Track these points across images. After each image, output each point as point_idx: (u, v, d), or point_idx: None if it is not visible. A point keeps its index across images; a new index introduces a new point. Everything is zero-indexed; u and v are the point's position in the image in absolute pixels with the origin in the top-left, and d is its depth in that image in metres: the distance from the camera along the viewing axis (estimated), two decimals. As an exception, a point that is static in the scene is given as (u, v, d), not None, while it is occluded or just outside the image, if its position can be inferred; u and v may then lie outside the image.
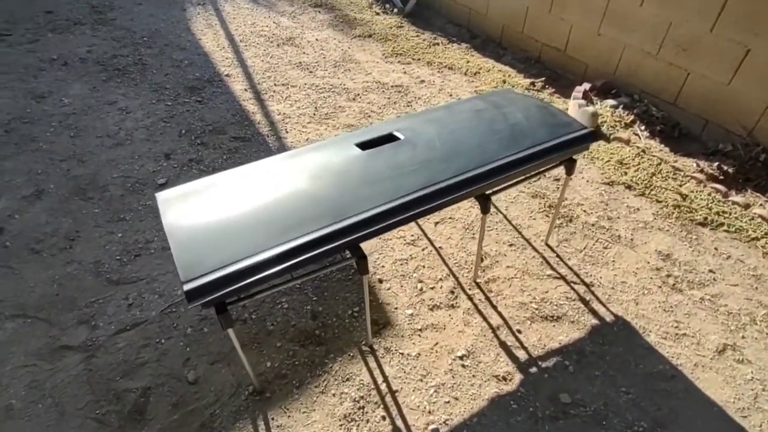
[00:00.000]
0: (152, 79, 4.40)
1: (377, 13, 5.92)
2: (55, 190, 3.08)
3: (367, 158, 2.10)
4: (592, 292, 2.55)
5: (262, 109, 4.06)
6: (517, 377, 2.15)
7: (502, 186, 2.20)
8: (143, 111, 3.96)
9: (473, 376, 2.16)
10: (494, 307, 2.46)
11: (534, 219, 2.99)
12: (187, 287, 1.53)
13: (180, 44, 5.04)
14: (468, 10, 5.49)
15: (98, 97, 4.10)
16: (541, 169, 2.29)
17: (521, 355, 2.25)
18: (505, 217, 3.00)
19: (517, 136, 2.24)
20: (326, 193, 1.92)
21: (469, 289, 2.56)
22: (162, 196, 1.95)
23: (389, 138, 2.24)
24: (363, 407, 2.04)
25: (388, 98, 4.23)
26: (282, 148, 3.61)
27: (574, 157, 2.39)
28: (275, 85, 4.41)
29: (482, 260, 2.72)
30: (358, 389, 2.10)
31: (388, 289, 2.55)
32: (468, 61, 4.86)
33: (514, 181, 2.22)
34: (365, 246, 2.30)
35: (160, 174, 3.29)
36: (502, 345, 2.29)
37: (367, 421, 1.99)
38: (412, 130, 2.28)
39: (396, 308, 2.45)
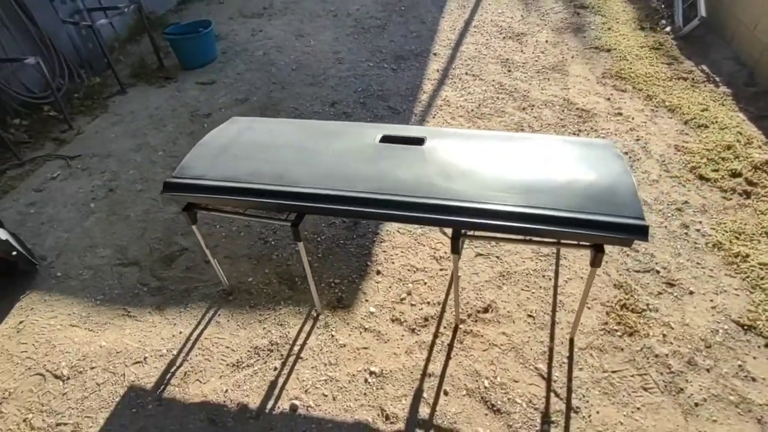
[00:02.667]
0: (377, 43, 5.12)
1: (640, 27, 5.02)
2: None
3: (375, 149, 2.15)
4: (567, 424, 1.96)
5: (434, 91, 4.25)
6: (399, 426, 1.97)
7: (483, 235, 1.91)
8: (349, 65, 4.72)
9: (365, 394, 2.09)
10: (448, 356, 2.22)
11: (592, 300, 2.37)
12: (167, 179, 2.07)
13: (423, 18, 5.58)
14: (765, 47, 4.08)
15: (332, 46, 5.08)
16: (547, 241, 1.84)
17: (425, 412, 2.02)
18: (565, 280, 2.48)
19: (542, 188, 1.85)
20: (314, 161, 2.12)
21: (444, 327, 2.34)
22: (234, 119, 2.54)
23: (415, 140, 2.20)
24: (271, 351, 2.29)
25: (561, 119, 3.76)
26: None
27: (606, 246, 1.81)
28: (466, 74, 4.48)
29: (486, 311, 2.40)
30: (280, 336, 2.35)
31: (378, 283, 2.59)
32: (705, 109, 3.73)
33: (502, 236, 1.88)
34: (398, 237, 2.39)
35: (315, 115, 4.00)
36: (418, 391, 2.09)
37: (265, 362, 2.25)
38: (446, 139, 2.16)
39: (366, 300, 2.49)
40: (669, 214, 2.85)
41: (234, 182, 2.03)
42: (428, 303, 2.46)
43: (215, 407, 2.09)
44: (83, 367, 2.28)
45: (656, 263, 2.57)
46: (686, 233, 2.72)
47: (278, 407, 2.07)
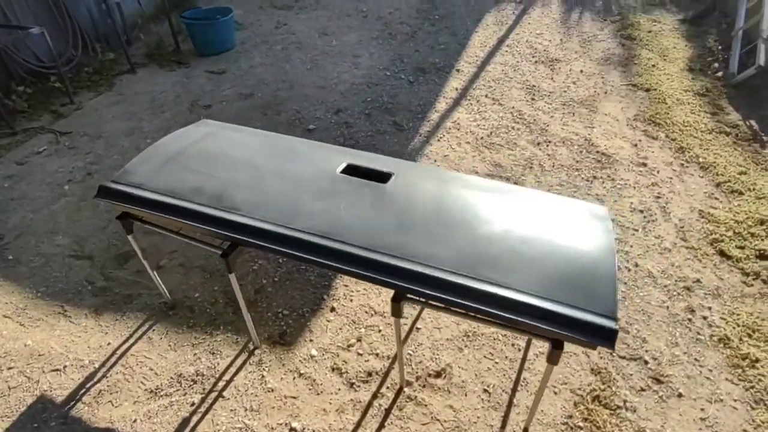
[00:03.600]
0: (401, 51, 4.86)
1: (689, 68, 4.55)
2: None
3: (332, 181, 1.91)
4: None
5: (446, 111, 3.97)
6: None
7: (430, 303, 1.64)
8: (365, 71, 4.49)
9: (278, 453, 1.87)
10: (382, 424, 1.96)
11: (562, 384, 2.06)
12: (103, 183, 1.91)
13: (455, 30, 5.28)
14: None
15: (354, 48, 4.86)
16: (498, 323, 1.55)
17: (338, 488, 1.77)
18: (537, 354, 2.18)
19: (502, 259, 1.56)
20: (262, 185, 1.90)
21: (387, 387, 2.09)
22: (204, 122, 2.36)
23: (380, 176, 1.95)
24: (194, 382, 2.10)
25: (577, 162, 3.41)
26: (414, 153, 3.52)
27: (567, 343, 1.51)
28: (485, 96, 4.17)
29: (439, 375, 2.13)
30: (209, 367, 2.15)
31: (329, 321, 2.35)
32: (744, 173, 3.29)
33: (448, 308, 1.61)
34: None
35: (316, 121, 3.79)
36: (337, 461, 1.85)
37: (185, 393, 2.06)
38: (416, 179, 1.90)
39: (311, 340, 2.27)
40: (675, 293, 2.48)
41: (170, 197, 1.84)
42: (377, 355, 2.21)
43: (118, 437, 1.92)
44: (2, 365, 2.16)
45: (647, 351, 2.22)
46: (690, 319, 2.36)
47: (183, 451, 1.88)
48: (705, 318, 2.36)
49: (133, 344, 2.25)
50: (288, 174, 1.95)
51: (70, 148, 3.48)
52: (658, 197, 3.10)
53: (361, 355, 2.21)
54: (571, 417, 1.98)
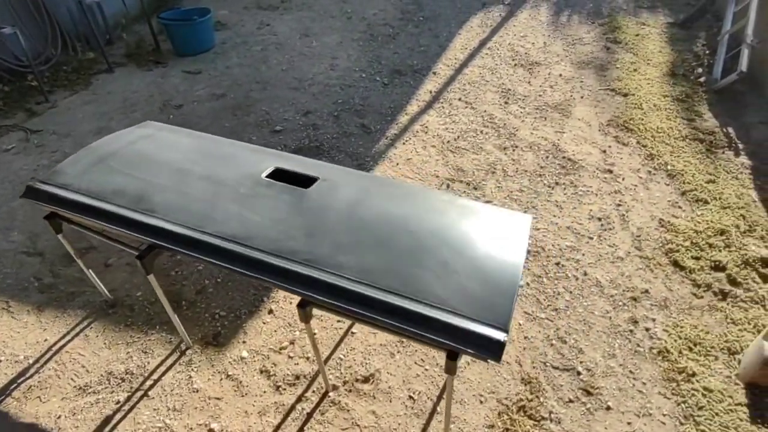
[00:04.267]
0: (380, 53, 4.85)
1: (671, 73, 4.46)
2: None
3: (255, 185, 1.91)
4: None
5: (417, 114, 3.95)
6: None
7: (333, 311, 1.63)
8: (341, 73, 4.49)
9: (193, 454, 1.88)
10: (301, 428, 1.96)
11: (489, 393, 2.03)
12: (30, 183, 1.94)
13: (438, 32, 5.25)
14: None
15: (333, 50, 4.87)
16: (400, 333, 1.53)
17: (247, 492, 1.77)
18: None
19: (405, 266, 1.54)
20: (184, 187, 1.91)
21: (313, 391, 2.09)
22: (147, 123, 2.38)
23: (304, 180, 1.94)
24: (123, 380, 2.12)
25: (541, 167, 3.37)
26: (378, 156, 3.51)
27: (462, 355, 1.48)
28: (459, 99, 4.14)
29: (367, 380, 2.12)
30: (139, 366, 2.17)
31: (265, 323, 2.36)
32: (712, 181, 3.21)
33: (351, 316, 1.60)
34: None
35: (284, 122, 3.80)
36: (251, 464, 1.85)
37: (112, 391, 2.08)
38: (340, 184, 1.89)
39: (244, 342, 2.27)
40: (620, 303, 2.44)
41: (92, 198, 1.86)
42: (308, 358, 2.21)
43: (41, 433, 1.94)
44: (-60, 358, 2.21)
45: (581, 362, 2.18)
46: (631, 331, 2.31)
47: (101, 448, 1.90)
48: (647, 330, 2.31)
49: (69, 341, 2.28)
50: (214, 177, 1.96)
51: (38, 146, 3.54)
52: (619, 205, 3.04)
53: (291, 358, 2.21)
54: (492, 427, 1.95)
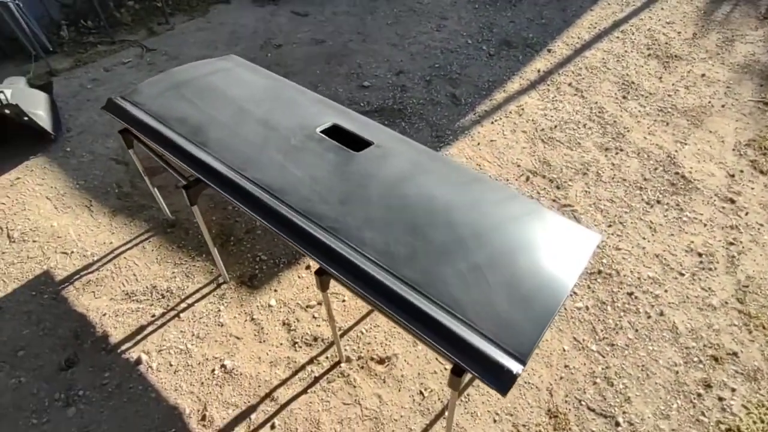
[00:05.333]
0: (494, 19, 4.45)
1: None
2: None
3: (306, 139, 1.84)
4: None
5: (516, 94, 3.58)
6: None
7: (348, 285, 1.53)
8: (446, 36, 4.20)
9: (202, 383, 1.95)
10: (305, 390, 1.94)
11: (507, 414, 1.84)
12: (111, 96, 2.05)
13: (569, 5, 4.67)
14: None
15: (444, 9, 4.56)
16: (405, 329, 1.39)
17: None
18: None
19: (437, 266, 1.39)
20: (240, 127, 1.89)
21: (326, 357, 2.05)
22: (229, 57, 2.40)
23: (359, 143, 1.83)
24: (163, 297, 2.26)
25: (645, 179, 2.89)
26: (460, 131, 3.26)
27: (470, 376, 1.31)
28: (569, 84, 3.68)
29: (382, 362, 2.04)
30: (179, 288, 2.30)
31: (300, 278, 2.35)
32: None
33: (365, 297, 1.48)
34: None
35: (373, 79, 3.67)
36: (250, 409, 1.88)
37: (151, 304, 2.23)
38: (393, 153, 1.75)
39: (275, 290, 2.29)
40: (695, 359, 2.05)
41: (157, 122, 1.92)
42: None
43: (87, 325, 2.15)
44: (29, 237, 2.52)
45: (625, 412, 1.88)
46: (700, 395, 1.93)
47: (128, 353, 2.05)
48: (721, 399, 1.92)
49: (129, 249, 2.47)
50: (270, 122, 1.91)
51: (149, 63, 3.81)
52: (732, 244, 2.52)
53: (315, 318, 2.19)
54: (499, 451, 1.78)
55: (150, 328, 2.14)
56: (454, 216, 1.53)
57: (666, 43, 4.11)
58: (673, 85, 3.66)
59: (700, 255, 2.47)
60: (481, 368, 1.20)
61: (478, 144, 3.15)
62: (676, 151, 3.09)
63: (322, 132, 1.86)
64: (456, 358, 1.23)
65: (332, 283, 1.57)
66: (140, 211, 2.67)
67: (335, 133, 1.88)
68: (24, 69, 3.71)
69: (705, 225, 2.63)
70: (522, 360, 1.19)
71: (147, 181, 2.34)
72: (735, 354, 2.06)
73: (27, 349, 2.08)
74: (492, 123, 3.31)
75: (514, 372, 1.17)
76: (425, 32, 4.26)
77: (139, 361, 2.02)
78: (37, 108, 2.94)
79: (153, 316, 2.19)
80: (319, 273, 1.55)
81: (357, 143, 1.82)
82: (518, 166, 2.98)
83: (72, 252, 2.45)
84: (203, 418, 1.86)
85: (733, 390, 1.95)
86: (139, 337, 2.10)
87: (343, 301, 2.26)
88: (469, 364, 1.22)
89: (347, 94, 3.55)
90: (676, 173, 2.93)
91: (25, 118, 2.76)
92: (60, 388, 1.94)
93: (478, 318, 1.26)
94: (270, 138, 1.83)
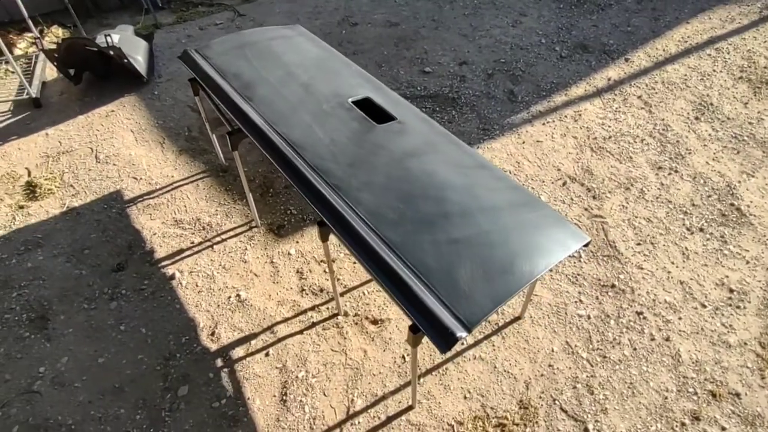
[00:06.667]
0: (576, 21, 4.32)
1: None
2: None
3: (337, 107, 2.02)
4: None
5: (577, 99, 3.50)
6: (212, 347, 2.10)
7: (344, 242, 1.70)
8: (520, 32, 4.16)
9: (218, 305, 2.24)
10: (301, 332, 2.16)
11: (485, 391, 1.93)
12: (185, 49, 2.36)
13: (663, 14, 4.39)
14: None
15: (526, 4, 4.50)
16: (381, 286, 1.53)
17: (238, 354, 2.08)
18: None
19: (419, 233, 1.52)
20: (282, 88, 2.11)
21: (328, 308, 2.25)
22: (294, 27, 2.64)
23: (384, 116, 1.97)
24: (203, 228, 2.58)
25: (693, 205, 2.74)
26: (507, 127, 3.26)
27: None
28: (638, 97, 3.52)
29: (375, 323, 2.20)
30: (218, 224, 2.61)
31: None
32: None
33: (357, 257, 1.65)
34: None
35: (436, 66, 3.76)
36: (251, 336, 2.14)
37: (193, 232, 2.56)
38: (415, 131, 1.88)
39: (297, 242, 2.52)
40: (690, 390, 1.98)
41: (216, 74, 2.19)
42: (338, 279, 2.36)
43: (140, 240, 2.53)
44: (111, 161, 2.97)
45: (597, 421, 1.89)
46: (683, 424, 1.89)
47: (167, 268, 2.40)
48: (707, 435, 1.86)
49: (185, 184, 2.83)
50: (311, 88, 2.11)
51: (237, 27, 4.19)
52: (773, 286, 2.35)
53: (326, 273, 2.39)
54: (461, 424, 1.87)
55: (187, 252, 2.47)
56: (447, 193, 1.63)
57: (765, 67, 3.75)
58: (758, 112, 3.37)
59: (731, 291, 2.33)
60: (431, 327, 1.32)
61: (524, 142, 3.15)
62: (740, 182, 2.88)
63: (353, 102, 2.03)
64: (413, 316, 1.36)
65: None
66: (201, 154, 3.03)
67: (365, 105, 2.03)
68: (135, 20, 4.26)
69: (748, 262, 2.46)
70: (468, 327, 1.29)
71: (208, 128, 2.66)
72: (737, 395, 1.97)
73: (91, 249, 2.49)
74: (543, 124, 3.28)
75: (457, 335, 1.27)
76: (500, 26, 4.24)
77: (173, 277, 2.35)
78: (137, 53, 3.40)
79: (192, 243, 2.52)
80: (321, 224, 1.73)
81: (382, 117, 1.97)
82: (558, 170, 2.95)
83: (141, 179, 2.86)
84: (212, 333, 2.14)
85: (723, 429, 1.87)
86: (177, 258, 2.44)
87: (354, 262, 2.44)
88: (422, 322, 1.34)
89: (407, 77, 3.68)
90: (731, 204, 2.74)
91: (125, 61, 3.22)
92: (109, 285, 2.33)
93: (440, 284, 1.38)
94: (306, 101, 2.03)
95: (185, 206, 2.70)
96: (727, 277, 2.39)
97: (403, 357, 2.08)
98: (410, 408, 1.92)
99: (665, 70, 3.76)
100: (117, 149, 3.05)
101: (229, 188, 2.81)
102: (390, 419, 1.89)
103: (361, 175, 1.70)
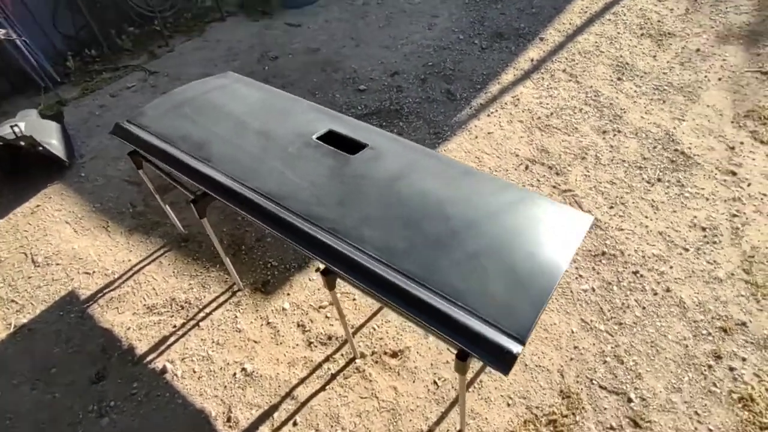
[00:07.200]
0: (485, 13, 4.50)
1: None
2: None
3: (303, 146, 1.92)
4: None
5: (510, 85, 3.62)
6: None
7: (353, 283, 1.60)
8: (438, 33, 4.26)
9: (225, 387, 2.04)
10: (324, 387, 2.02)
11: (520, 397, 1.89)
12: (119, 121, 2.15)
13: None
14: None
15: (435, 6, 4.62)
16: (419, 323, 1.45)
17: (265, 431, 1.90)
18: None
19: (435, 257, 1.45)
20: (240, 140, 1.97)
21: (342, 354, 2.12)
22: (227, 74, 2.50)
23: (354, 146, 1.90)
24: (182, 308, 2.36)
25: (644, 159, 2.91)
26: (457, 126, 3.31)
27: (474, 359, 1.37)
28: (563, 71, 3.71)
29: (395, 355, 2.11)
30: (197, 298, 2.39)
31: (311, 280, 2.43)
32: None
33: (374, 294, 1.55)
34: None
35: (369, 82, 3.75)
36: (272, 408, 1.96)
37: (171, 316, 2.33)
38: (388, 154, 1.81)
39: (288, 294, 2.37)
40: (704, 332, 2.07)
41: (162, 141, 2.01)
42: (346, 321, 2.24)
43: (113, 340, 2.26)
44: (53, 261, 2.65)
45: (636, 388, 1.92)
46: (710, 366, 1.96)
47: (154, 363, 2.15)
48: (731, 369, 1.95)
49: (147, 265, 2.58)
50: (269, 133, 1.99)
51: (152, 86, 3.94)
52: (735, 216, 2.53)
53: (328, 318, 2.26)
54: (513, 433, 1.83)
55: (172, 339, 2.24)
56: (447, 209, 1.59)
57: (659, 21, 4.11)
58: (668, 62, 3.67)
59: (703, 229, 2.49)
60: (484, 351, 1.26)
61: (476, 137, 3.20)
62: (675, 128, 3.10)
63: (318, 138, 1.94)
64: (459, 343, 1.29)
65: (341, 283, 1.64)
66: (155, 228, 2.78)
67: (331, 138, 1.95)
68: (35, 101, 3.87)
69: (707, 199, 2.64)
70: (521, 340, 1.25)
71: (159, 199, 2.44)
72: (744, 324, 2.08)
73: (59, 366, 2.19)
74: (488, 116, 3.36)
75: (515, 352, 1.22)
76: (417, 32, 4.33)
77: (164, 370, 2.11)
78: (50, 137, 3.08)
79: (174, 326, 2.28)
80: (325, 273, 1.62)
81: (352, 146, 1.89)
82: (516, 155, 3.03)
83: (94, 272, 2.57)
84: (228, 419, 1.94)
85: (744, 359, 1.97)
86: (162, 348, 2.20)
87: (354, 299, 2.33)
88: (472, 348, 1.28)
89: (344, 99, 3.63)
90: (676, 150, 2.95)
91: (40, 148, 2.90)
92: (92, 400, 2.05)
93: (477, 304, 1.32)
94: (269, 148, 1.91)
95: (154, 289, 2.46)
96: (695, 217, 2.55)
97: (435, 382, 2.00)
98: (460, 433, 1.84)
99: (578, 42, 4.01)
100: (56, 246, 2.72)
101: (197, 257, 2.60)
102: (443, 451, 1.80)
103: (355, 212, 1.61)
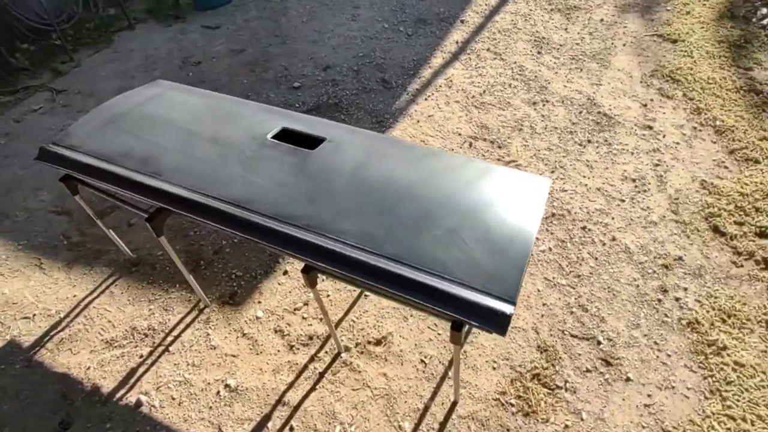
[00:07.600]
0: (405, 2, 4.56)
1: (730, 15, 3.99)
2: (246, 55, 3.94)
3: (260, 146, 1.86)
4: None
5: (441, 67, 3.73)
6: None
7: (336, 276, 1.59)
8: (362, 24, 4.27)
9: (210, 407, 1.95)
10: (314, 387, 1.99)
11: (503, 360, 1.99)
12: (43, 145, 1.95)
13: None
14: None
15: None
16: (400, 300, 1.47)
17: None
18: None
19: (410, 233, 1.48)
20: (190, 149, 1.88)
21: (326, 352, 2.11)
22: (157, 83, 2.34)
23: (311, 141, 1.87)
24: (146, 336, 2.21)
25: (573, 124, 3.14)
26: (398, 113, 3.36)
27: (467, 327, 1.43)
28: (487, 50, 3.87)
29: (379, 343, 2.13)
30: (160, 323, 2.25)
31: (280, 284, 2.37)
32: (767, 138, 2.92)
33: (359, 282, 1.55)
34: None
35: (302, 78, 3.69)
36: (264, 419, 1.91)
37: (135, 346, 2.18)
38: (348, 146, 1.81)
39: (259, 302, 2.30)
40: (649, 271, 2.30)
41: (100, 161, 1.86)
42: (321, 320, 2.22)
43: (73, 383, 2.07)
44: (-19, 311, 2.36)
45: (602, 331, 2.10)
46: (660, 300, 2.19)
47: (126, 398, 2.00)
48: (677, 299, 2.18)
49: (96, 297, 2.37)
50: (220, 139, 1.91)
51: (63, 105, 3.59)
52: (657, 165, 2.82)
53: (305, 319, 2.23)
54: (504, 393, 1.92)
55: (141, 369, 2.09)
56: (416, 190, 1.63)
57: (564, -3, 4.42)
58: (578, 33, 3.96)
59: (633, 181, 2.74)
60: (479, 318, 1.32)
61: (418, 121, 3.27)
62: (594, 93, 3.37)
63: (273, 138, 1.89)
64: (455, 314, 1.34)
65: (317, 279, 1.62)
66: (97, 257, 2.56)
67: (286, 136, 1.91)
68: None
69: (632, 153, 2.91)
70: (511, 301, 1.32)
71: (100, 225, 2.26)
72: (680, 258, 2.34)
73: (12, 424, 1.97)
74: (426, 99, 3.45)
75: (508, 313, 1.29)
76: (342, 24, 4.31)
77: (139, 403, 1.98)
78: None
79: (141, 356, 2.14)
80: (306, 270, 1.60)
81: (309, 142, 1.87)
82: (459, 134, 3.14)
83: (34, 314, 2.32)
84: (220, 440, 1.87)
85: (685, 289, 2.22)
86: (132, 381, 2.05)
87: (328, 296, 2.31)
88: (467, 316, 1.33)
89: (280, 98, 3.54)
90: (599, 113, 3.21)
91: (-57, 188, 2.55)
92: (61, 452, 1.87)
93: (464, 275, 1.38)
94: (224, 154, 1.83)
95: (110, 321, 2.28)
96: (625, 170, 2.81)
97: (422, 361, 2.05)
98: (455, 404, 1.91)
99: (496, 21, 4.21)
100: (-18, 295, 2.42)
101: (152, 280, 2.43)
102: (443, 424, 1.86)
103: (328, 206, 1.60)
